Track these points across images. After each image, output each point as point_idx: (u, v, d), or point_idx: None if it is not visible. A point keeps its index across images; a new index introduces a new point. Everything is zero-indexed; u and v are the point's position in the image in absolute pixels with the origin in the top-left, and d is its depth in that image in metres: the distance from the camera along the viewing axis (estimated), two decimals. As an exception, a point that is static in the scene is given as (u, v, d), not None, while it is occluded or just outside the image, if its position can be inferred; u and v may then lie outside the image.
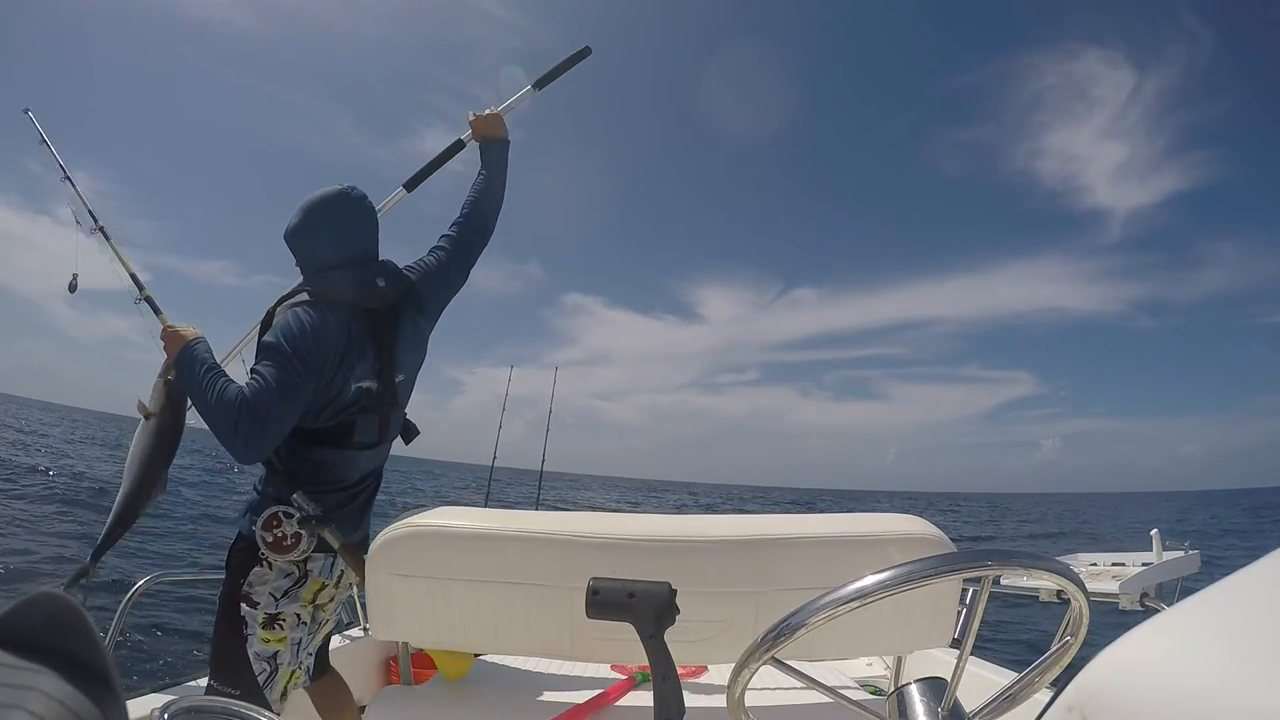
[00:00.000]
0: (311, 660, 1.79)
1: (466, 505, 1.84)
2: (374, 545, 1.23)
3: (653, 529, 1.18)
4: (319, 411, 1.65)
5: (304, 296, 1.66)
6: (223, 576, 1.70)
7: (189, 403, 1.72)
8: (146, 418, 1.76)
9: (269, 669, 1.64)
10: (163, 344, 1.71)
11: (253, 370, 1.56)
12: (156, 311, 1.87)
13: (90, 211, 2.05)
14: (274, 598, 1.64)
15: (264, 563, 1.64)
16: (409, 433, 1.87)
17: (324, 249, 1.72)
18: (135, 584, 2.09)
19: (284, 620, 1.65)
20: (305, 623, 1.68)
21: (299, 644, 1.69)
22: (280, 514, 1.59)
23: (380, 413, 1.73)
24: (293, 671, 1.68)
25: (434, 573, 1.20)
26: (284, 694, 1.67)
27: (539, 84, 2.19)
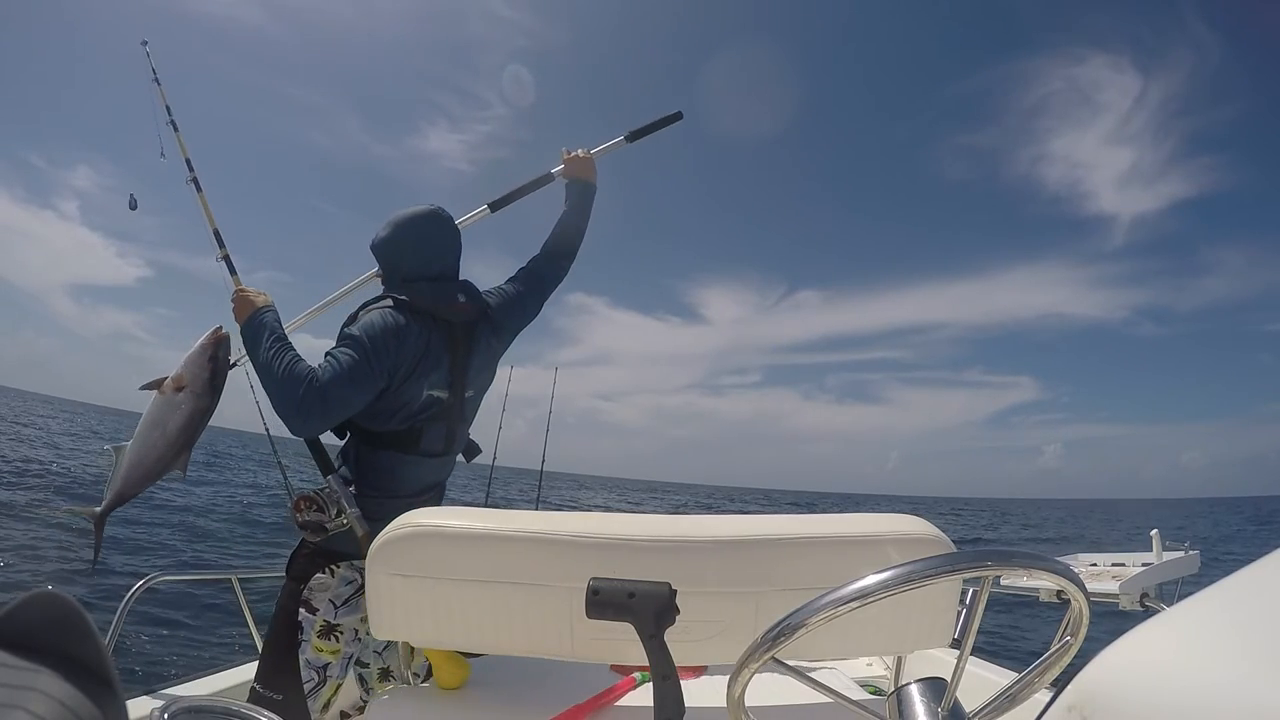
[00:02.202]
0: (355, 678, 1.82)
1: (466, 505, 1.84)
2: (374, 545, 1.23)
3: (653, 529, 1.18)
4: (391, 415, 1.71)
5: (388, 302, 1.73)
6: (223, 576, 1.71)
7: (224, 382, 1.77)
8: (179, 389, 1.74)
9: (317, 679, 1.66)
10: (232, 306, 1.76)
11: (328, 353, 1.63)
12: (232, 271, 1.91)
13: (188, 160, 2.10)
14: (334, 605, 1.66)
15: (327, 569, 1.66)
16: (470, 451, 1.94)
17: (410, 262, 1.79)
18: (135, 584, 2.09)
19: (341, 632, 1.68)
20: (360, 639, 1.72)
21: (350, 658, 1.72)
22: (305, 499, 1.65)
23: (448, 423, 1.80)
24: (338, 685, 1.72)
25: (434, 573, 1.20)
26: (326, 706, 1.69)
27: (631, 137, 2.27)
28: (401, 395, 1.70)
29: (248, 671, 2.25)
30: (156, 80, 2.21)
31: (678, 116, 2.30)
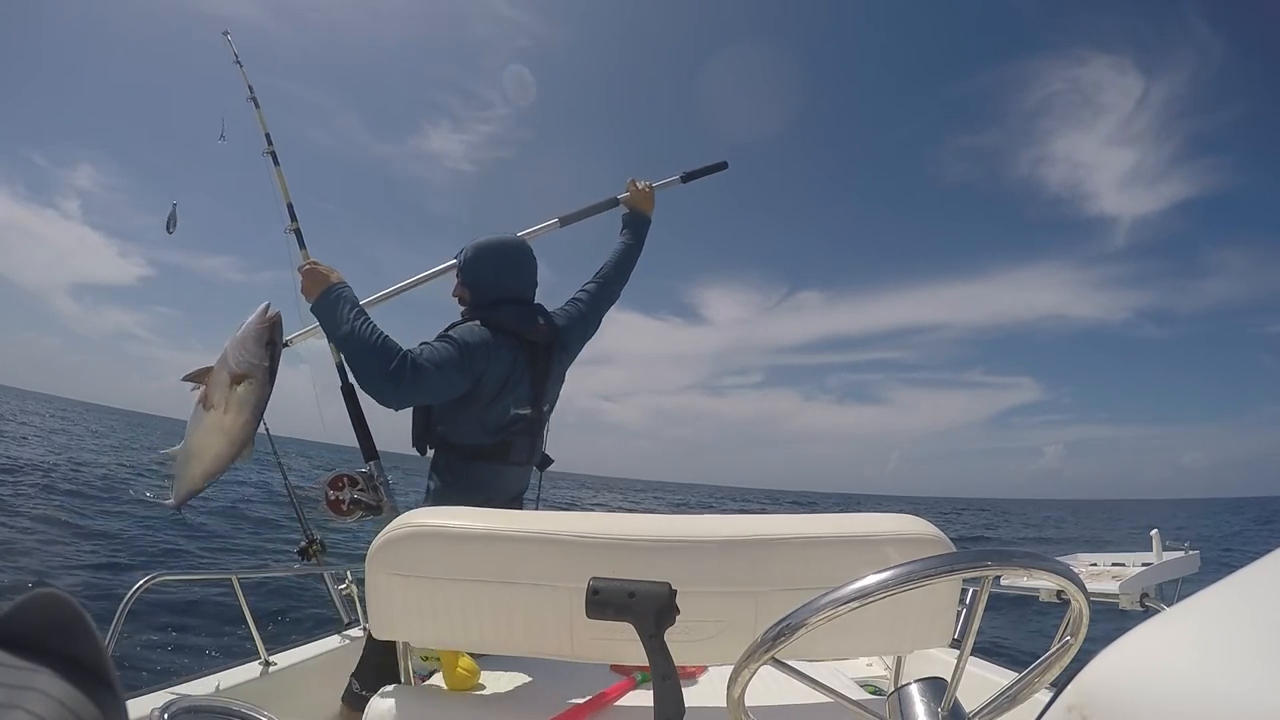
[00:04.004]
0: None
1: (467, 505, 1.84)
2: (374, 545, 1.23)
3: (653, 529, 1.18)
4: (483, 429, 1.86)
5: (477, 322, 1.88)
6: (223, 576, 1.71)
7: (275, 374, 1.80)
8: (237, 382, 1.71)
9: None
10: (300, 280, 1.83)
11: (423, 343, 1.78)
12: (301, 245, 2.02)
13: (268, 135, 2.25)
14: None
15: None
16: (544, 462, 2.11)
17: (495, 287, 1.96)
18: (135, 584, 2.09)
19: None
20: None
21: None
22: (347, 477, 1.71)
23: (531, 436, 1.97)
24: None
25: (434, 573, 1.20)
26: None
27: (686, 178, 2.47)
28: (492, 411, 1.84)
29: (248, 671, 2.25)
30: (238, 62, 2.38)
31: (724, 165, 2.52)
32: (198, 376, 1.75)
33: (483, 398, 1.82)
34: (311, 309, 1.81)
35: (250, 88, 2.33)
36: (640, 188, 2.33)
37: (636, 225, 2.31)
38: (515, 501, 2.00)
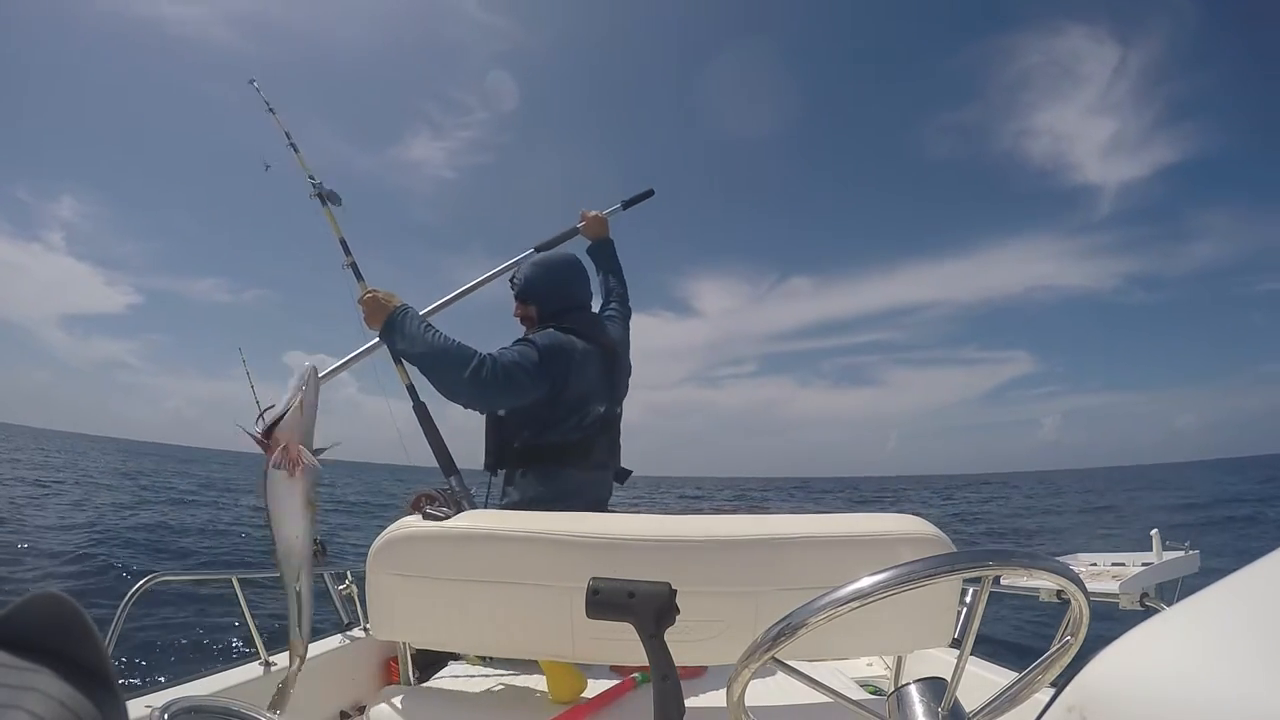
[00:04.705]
0: None
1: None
2: (374, 545, 1.23)
3: (653, 529, 1.18)
4: (567, 424, 1.93)
5: (551, 329, 1.98)
6: (223, 577, 1.70)
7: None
8: (301, 444, 1.59)
9: None
10: (361, 310, 1.92)
11: (502, 348, 1.86)
12: (359, 278, 2.08)
13: (310, 177, 2.30)
14: None
15: None
16: (621, 475, 2.15)
17: (561, 297, 2.10)
18: (135, 584, 2.09)
19: None
20: None
21: None
22: (426, 495, 1.72)
23: (610, 435, 2.06)
24: None
25: (434, 573, 1.20)
26: None
27: (626, 205, 2.66)
28: (577, 412, 1.94)
29: (248, 671, 2.25)
30: (271, 110, 2.47)
31: (649, 193, 2.69)
32: (264, 443, 1.73)
33: (568, 400, 1.90)
34: (380, 337, 1.89)
35: (288, 134, 2.41)
36: (592, 215, 2.51)
37: (602, 252, 2.48)
38: (600, 507, 2.04)
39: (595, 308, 2.32)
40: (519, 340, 1.93)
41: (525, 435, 1.95)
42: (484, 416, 2.01)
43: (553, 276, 2.14)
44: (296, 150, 2.37)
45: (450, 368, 1.79)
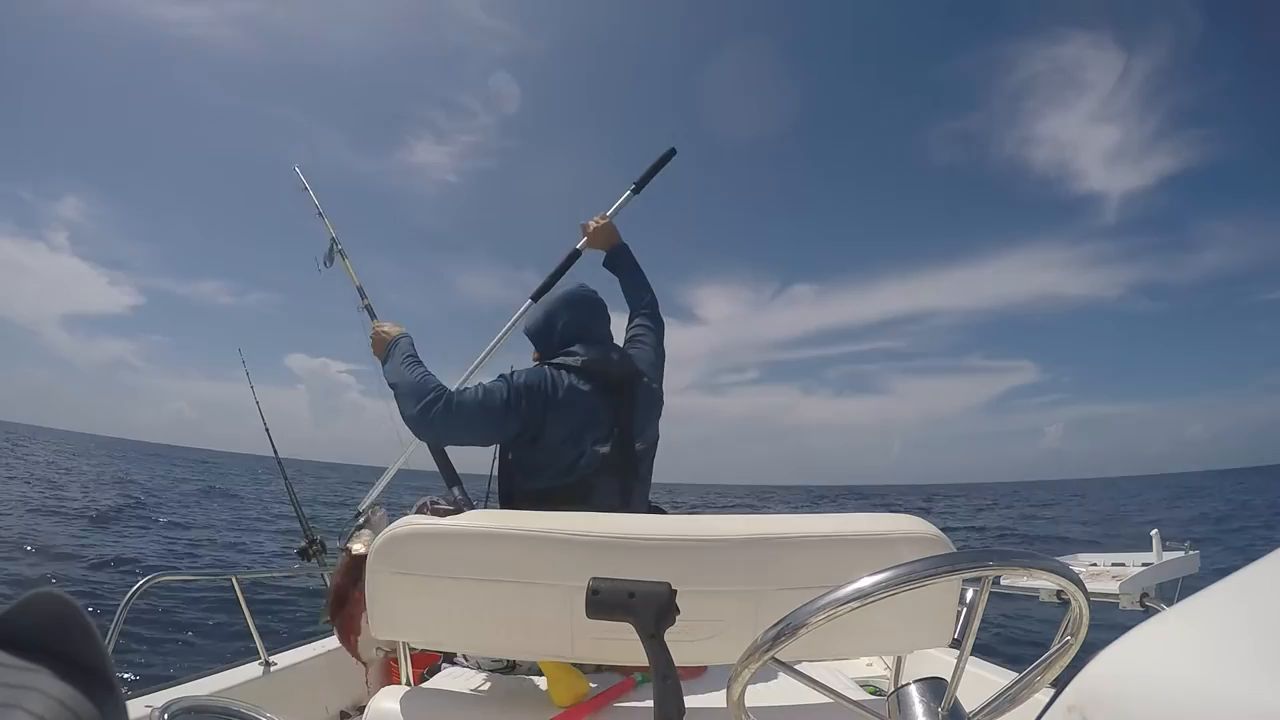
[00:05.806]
0: None
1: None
2: (374, 545, 1.23)
3: (653, 529, 1.18)
4: (556, 470, 1.81)
5: (539, 364, 1.93)
6: (223, 576, 1.72)
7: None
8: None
9: None
10: (371, 343, 2.03)
11: (479, 383, 1.83)
12: (373, 317, 2.28)
13: (334, 238, 2.63)
14: None
15: None
16: (652, 512, 2.01)
17: (566, 338, 1.96)
18: (135, 584, 2.09)
19: None
20: None
21: None
22: (430, 502, 1.83)
23: (621, 479, 1.86)
24: None
25: (434, 572, 1.20)
26: None
27: (638, 187, 2.48)
28: (568, 451, 1.80)
29: (248, 671, 2.25)
30: (307, 188, 2.80)
31: (672, 153, 2.52)
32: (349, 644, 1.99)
33: (552, 438, 1.79)
34: (381, 364, 1.98)
35: (319, 209, 2.70)
36: (595, 225, 2.33)
37: (618, 261, 2.30)
38: None
39: (620, 327, 2.18)
40: (499, 376, 1.85)
41: (519, 479, 1.85)
42: (496, 459, 1.93)
43: (539, 317, 2.04)
44: (324, 217, 2.66)
45: (404, 399, 1.79)
